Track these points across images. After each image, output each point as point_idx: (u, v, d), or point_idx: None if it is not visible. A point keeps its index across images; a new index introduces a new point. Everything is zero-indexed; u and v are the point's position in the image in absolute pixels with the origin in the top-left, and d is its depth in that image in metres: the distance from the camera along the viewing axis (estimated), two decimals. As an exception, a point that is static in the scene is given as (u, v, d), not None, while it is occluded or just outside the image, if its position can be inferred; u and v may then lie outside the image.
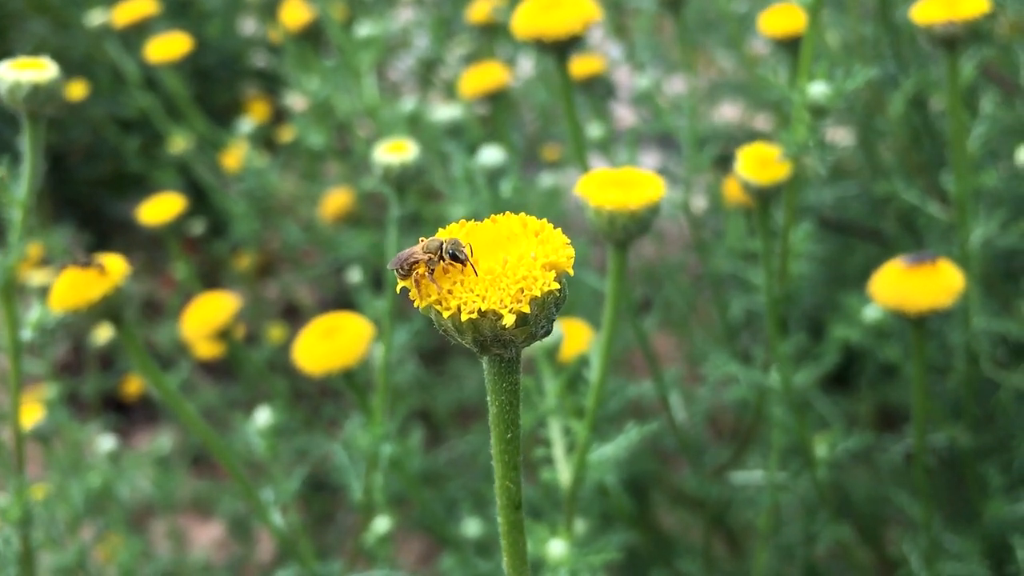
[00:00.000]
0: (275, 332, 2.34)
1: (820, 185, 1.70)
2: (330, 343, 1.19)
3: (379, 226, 2.19)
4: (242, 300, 1.61)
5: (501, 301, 0.51)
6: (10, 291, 1.05)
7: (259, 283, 2.62)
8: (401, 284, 0.55)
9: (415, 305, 0.53)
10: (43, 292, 2.02)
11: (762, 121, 2.28)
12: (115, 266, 1.02)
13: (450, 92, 2.26)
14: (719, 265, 1.64)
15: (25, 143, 1.03)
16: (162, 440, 2.07)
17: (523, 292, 0.51)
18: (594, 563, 0.91)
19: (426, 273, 0.53)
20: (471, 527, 1.44)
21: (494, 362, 0.55)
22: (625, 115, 2.44)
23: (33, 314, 1.07)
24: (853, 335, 1.29)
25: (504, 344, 0.53)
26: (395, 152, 1.14)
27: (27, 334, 1.07)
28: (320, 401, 2.27)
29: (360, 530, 1.28)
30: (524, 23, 1.14)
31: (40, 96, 1.00)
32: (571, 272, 0.53)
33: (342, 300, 2.53)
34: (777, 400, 1.21)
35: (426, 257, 0.53)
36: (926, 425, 1.18)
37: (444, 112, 1.66)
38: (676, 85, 2.27)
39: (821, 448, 1.25)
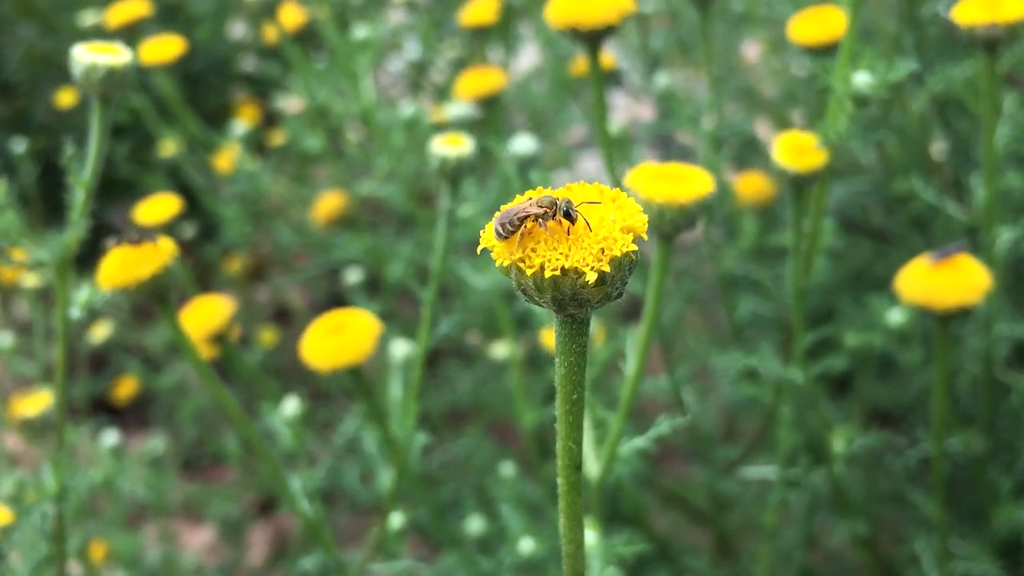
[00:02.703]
0: (267, 335, 2.33)
1: (831, 180, 1.70)
2: (338, 339, 1.18)
3: (374, 230, 2.19)
4: (234, 303, 1.60)
5: (583, 260, 0.52)
6: (65, 268, 1.06)
7: (250, 286, 2.61)
8: (487, 244, 0.56)
9: (497, 264, 0.55)
10: (35, 295, 2.01)
11: (760, 123, 2.28)
12: (164, 245, 1.03)
13: (440, 95, 2.27)
14: (730, 266, 1.63)
15: (94, 125, 1.04)
16: (155, 442, 2.05)
17: (604, 252, 0.53)
18: (623, 554, 0.91)
19: (538, 224, 0.54)
20: (474, 524, 1.44)
21: (566, 323, 0.57)
22: (623, 108, 2.45)
23: (82, 293, 1.07)
24: (877, 340, 1.28)
25: (581, 303, 0.54)
26: (452, 145, 1.14)
27: (75, 312, 1.07)
28: (313, 404, 2.26)
29: (376, 524, 1.27)
30: (559, 11, 1.12)
31: (114, 80, 1.01)
32: (645, 236, 0.55)
33: (334, 303, 2.51)
34: (795, 394, 1.20)
35: (540, 212, 0.54)
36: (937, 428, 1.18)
37: (455, 109, 1.65)
38: (677, 83, 2.28)
39: (838, 444, 1.24)
